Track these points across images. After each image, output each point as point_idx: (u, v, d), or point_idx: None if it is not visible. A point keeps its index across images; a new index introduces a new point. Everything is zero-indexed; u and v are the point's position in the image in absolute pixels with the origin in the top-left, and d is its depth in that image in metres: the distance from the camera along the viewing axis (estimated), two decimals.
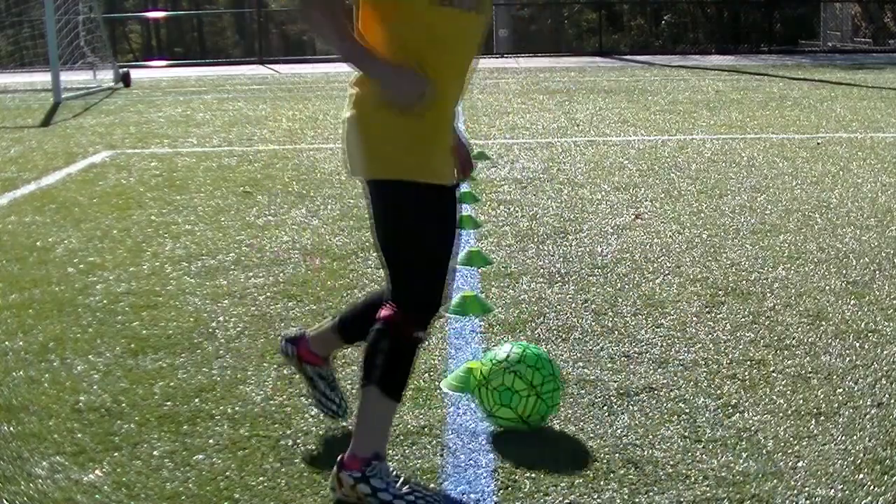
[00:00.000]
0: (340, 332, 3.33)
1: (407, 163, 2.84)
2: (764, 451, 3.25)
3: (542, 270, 5.40)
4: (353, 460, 2.93)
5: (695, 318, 4.57)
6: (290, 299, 4.97)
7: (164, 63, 27.92)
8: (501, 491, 3.03)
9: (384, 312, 2.94)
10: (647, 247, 5.87)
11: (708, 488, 3.03)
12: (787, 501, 2.95)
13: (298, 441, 3.39)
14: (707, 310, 4.69)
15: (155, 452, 3.32)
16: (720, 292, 4.95)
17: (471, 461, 3.22)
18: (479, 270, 5.39)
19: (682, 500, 2.97)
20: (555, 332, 4.43)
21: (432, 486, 3.07)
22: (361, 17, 2.91)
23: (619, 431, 3.41)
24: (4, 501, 3.03)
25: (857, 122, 11.28)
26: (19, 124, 13.00)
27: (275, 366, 4.07)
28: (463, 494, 3.01)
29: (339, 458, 2.96)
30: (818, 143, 9.67)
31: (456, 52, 2.91)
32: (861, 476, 3.07)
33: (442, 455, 3.26)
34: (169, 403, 3.72)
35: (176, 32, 48.47)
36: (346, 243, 6.07)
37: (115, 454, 3.31)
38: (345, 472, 2.92)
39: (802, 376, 3.87)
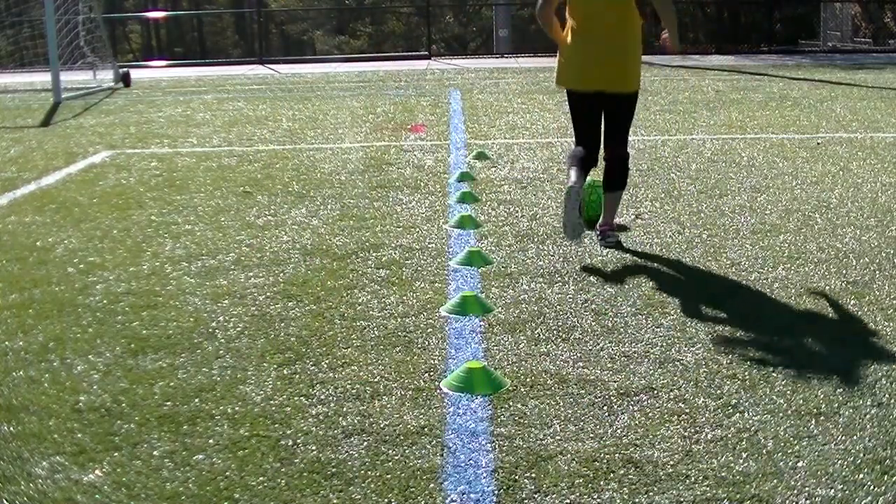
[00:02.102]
0: (586, 172, 5.79)
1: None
2: (764, 451, 3.25)
3: (542, 270, 5.40)
4: (610, 226, 5.89)
5: (695, 318, 4.57)
6: (290, 299, 4.97)
7: (164, 63, 27.91)
8: (501, 491, 3.04)
9: (622, 151, 5.81)
10: (647, 247, 5.87)
11: (708, 488, 3.03)
12: (787, 501, 2.95)
13: (298, 441, 3.39)
14: (707, 310, 4.69)
15: (155, 452, 3.32)
16: (720, 292, 4.95)
17: (471, 461, 3.22)
18: (479, 270, 5.39)
19: (682, 500, 2.97)
20: (555, 332, 4.43)
21: (432, 486, 3.08)
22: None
23: (619, 431, 3.41)
24: (4, 501, 3.03)
25: (857, 122, 11.28)
26: (19, 124, 13.00)
27: (275, 366, 4.08)
28: (463, 494, 3.01)
29: (600, 231, 5.87)
30: (818, 143, 9.67)
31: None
32: (861, 476, 3.07)
33: (442, 455, 3.27)
34: (169, 403, 3.72)
35: (176, 32, 48.48)
36: (346, 243, 6.07)
37: (115, 454, 3.32)
38: (610, 233, 5.87)
39: (802, 376, 3.87)
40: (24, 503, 3.03)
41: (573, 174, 5.58)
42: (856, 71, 18.61)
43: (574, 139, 5.94)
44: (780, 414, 3.53)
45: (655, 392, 3.75)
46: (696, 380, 3.85)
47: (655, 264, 5.48)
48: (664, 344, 4.25)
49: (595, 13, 5.65)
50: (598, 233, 5.90)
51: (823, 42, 27.04)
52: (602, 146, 5.85)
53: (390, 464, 3.22)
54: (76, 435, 3.46)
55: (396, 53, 30.22)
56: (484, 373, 3.82)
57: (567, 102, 5.99)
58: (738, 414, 3.54)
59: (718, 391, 3.74)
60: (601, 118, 5.80)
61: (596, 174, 6.10)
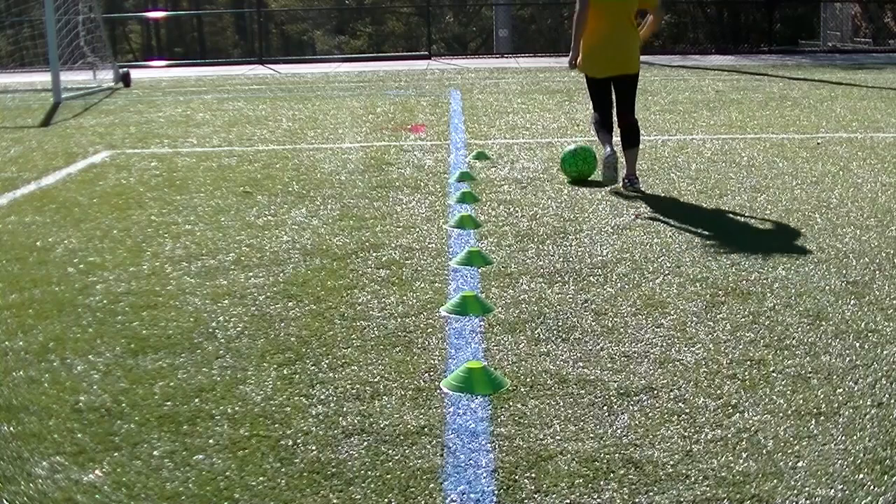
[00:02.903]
0: (611, 135, 7.64)
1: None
2: (764, 451, 3.25)
3: (542, 270, 5.40)
4: (634, 175, 7.45)
5: (695, 318, 4.57)
6: (290, 299, 4.97)
7: (164, 63, 27.92)
8: (501, 491, 3.04)
9: (632, 118, 7.55)
10: (647, 247, 5.87)
11: (708, 488, 3.03)
12: (787, 501, 2.95)
13: (298, 441, 3.39)
14: (707, 310, 4.69)
15: (155, 452, 3.32)
16: (720, 292, 4.95)
17: (471, 461, 3.22)
18: (479, 270, 5.39)
19: (682, 500, 2.97)
20: (555, 332, 4.43)
21: (432, 486, 3.08)
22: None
23: (619, 431, 3.41)
24: (4, 501, 3.03)
25: (857, 122, 11.28)
26: (19, 124, 13.01)
27: (275, 366, 4.08)
28: (463, 494, 3.01)
29: (627, 179, 7.45)
30: (818, 143, 9.67)
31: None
32: (861, 476, 3.07)
33: (442, 455, 3.27)
34: (169, 403, 3.72)
35: (176, 32, 48.47)
36: (346, 243, 6.07)
37: (115, 454, 3.32)
38: (635, 180, 7.42)
39: (802, 376, 3.87)
40: (24, 503, 3.03)
41: (607, 147, 7.50)
42: (856, 71, 18.61)
43: (593, 108, 7.80)
44: (780, 414, 3.53)
45: (655, 392, 3.74)
46: (696, 380, 3.85)
47: (655, 264, 5.49)
48: (664, 344, 4.25)
49: (611, 21, 7.49)
50: (626, 181, 7.44)
51: (823, 42, 27.06)
52: (616, 115, 7.64)
53: (390, 464, 3.22)
54: (76, 435, 3.46)
55: (396, 53, 30.23)
56: (484, 373, 3.82)
57: (587, 83, 7.77)
58: (738, 414, 3.54)
59: (718, 391, 3.74)
60: (612, 92, 7.63)
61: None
